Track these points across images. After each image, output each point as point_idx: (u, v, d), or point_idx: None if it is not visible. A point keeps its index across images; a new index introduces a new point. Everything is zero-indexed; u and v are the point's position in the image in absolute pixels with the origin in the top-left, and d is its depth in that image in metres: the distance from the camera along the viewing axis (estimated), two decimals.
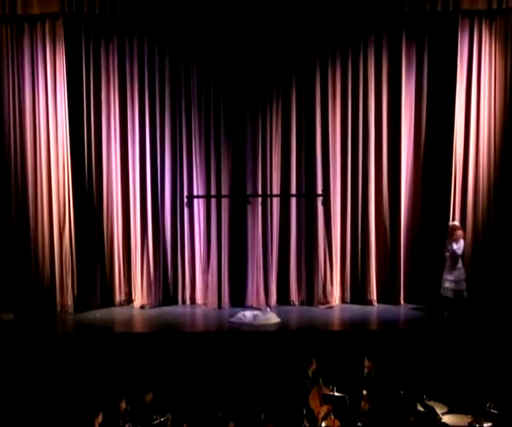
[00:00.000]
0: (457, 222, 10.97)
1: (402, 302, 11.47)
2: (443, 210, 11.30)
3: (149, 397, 8.33)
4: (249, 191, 11.48)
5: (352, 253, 11.67)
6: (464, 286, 10.68)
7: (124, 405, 7.97)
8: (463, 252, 10.80)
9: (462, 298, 10.68)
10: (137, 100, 11.41)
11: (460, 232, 10.77)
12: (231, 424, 7.77)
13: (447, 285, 10.70)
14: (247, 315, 10.67)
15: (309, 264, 11.61)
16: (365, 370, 8.67)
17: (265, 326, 10.48)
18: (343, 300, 11.71)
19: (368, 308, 11.37)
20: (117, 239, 11.60)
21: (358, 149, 11.54)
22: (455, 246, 10.68)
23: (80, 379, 9.35)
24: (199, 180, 11.54)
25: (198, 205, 11.60)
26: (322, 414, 8.17)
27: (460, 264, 10.71)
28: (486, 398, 8.07)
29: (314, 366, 8.62)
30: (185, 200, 11.55)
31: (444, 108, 11.29)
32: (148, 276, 11.50)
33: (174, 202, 11.64)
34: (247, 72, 11.31)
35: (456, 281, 10.66)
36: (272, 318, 10.72)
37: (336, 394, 8.30)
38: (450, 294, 10.66)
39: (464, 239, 10.86)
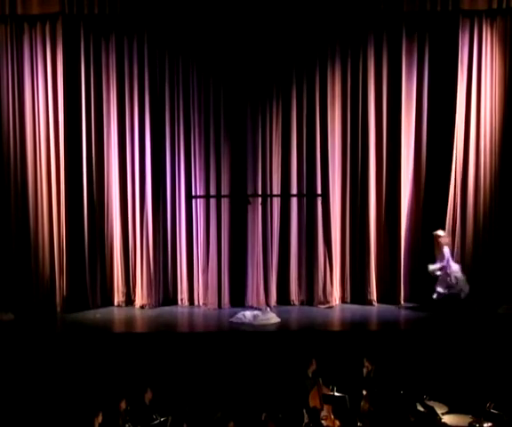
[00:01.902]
0: (439, 231, 10.98)
1: (402, 302, 11.46)
2: (443, 210, 11.30)
3: (149, 396, 8.33)
4: (249, 191, 11.48)
5: (352, 253, 11.67)
6: (458, 288, 10.70)
7: (124, 405, 7.97)
8: (453, 255, 10.91)
9: (458, 300, 10.73)
10: (136, 100, 11.40)
11: (441, 240, 10.84)
12: (231, 424, 7.77)
13: (438, 288, 10.80)
14: (247, 315, 10.67)
15: (309, 264, 11.60)
16: (365, 370, 8.67)
17: (265, 326, 10.48)
18: (343, 300, 11.70)
19: (368, 308, 11.37)
20: (117, 239, 11.58)
21: (358, 148, 11.53)
22: (439, 255, 10.82)
23: (80, 379, 9.35)
24: (199, 180, 11.54)
25: (198, 205, 11.60)
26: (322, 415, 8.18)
27: (452, 269, 10.73)
28: (486, 398, 8.07)
29: (314, 366, 8.62)
30: (184, 200, 11.57)
31: (445, 107, 11.28)
32: (148, 276, 11.49)
33: (174, 202, 11.64)
34: (247, 72, 11.31)
35: (448, 287, 10.73)
36: (272, 317, 10.72)
37: (336, 394, 8.29)
38: (439, 297, 10.77)
39: (449, 244, 10.89)
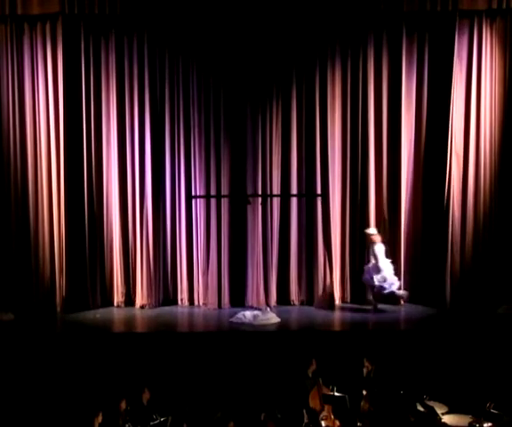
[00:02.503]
0: (370, 229, 11.22)
1: (402, 302, 11.45)
2: (443, 210, 11.29)
3: (146, 396, 8.31)
4: (249, 191, 11.49)
5: (352, 253, 11.67)
6: (389, 284, 10.91)
7: (124, 405, 7.96)
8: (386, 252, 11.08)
9: (390, 295, 10.99)
10: (136, 100, 11.41)
11: (373, 238, 11.07)
12: (231, 424, 7.77)
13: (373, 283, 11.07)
14: (247, 315, 10.67)
15: (309, 264, 11.61)
16: (365, 370, 8.67)
17: (265, 326, 10.48)
18: (343, 300, 11.71)
19: (368, 308, 11.36)
20: (117, 239, 11.57)
21: (358, 148, 11.53)
22: (371, 252, 11.05)
23: (80, 379, 9.35)
24: (199, 180, 11.54)
25: (198, 205, 11.60)
26: (322, 415, 8.18)
27: (381, 266, 10.90)
28: (486, 398, 8.06)
29: (314, 367, 8.61)
30: (184, 200, 11.57)
31: (445, 108, 11.26)
32: (148, 276, 11.49)
33: (174, 202, 11.64)
34: (247, 72, 11.31)
35: (380, 282, 10.94)
36: (272, 318, 10.72)
37: (336, 394, 8.29)
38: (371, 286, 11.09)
39: (380, 241, 11.06)
